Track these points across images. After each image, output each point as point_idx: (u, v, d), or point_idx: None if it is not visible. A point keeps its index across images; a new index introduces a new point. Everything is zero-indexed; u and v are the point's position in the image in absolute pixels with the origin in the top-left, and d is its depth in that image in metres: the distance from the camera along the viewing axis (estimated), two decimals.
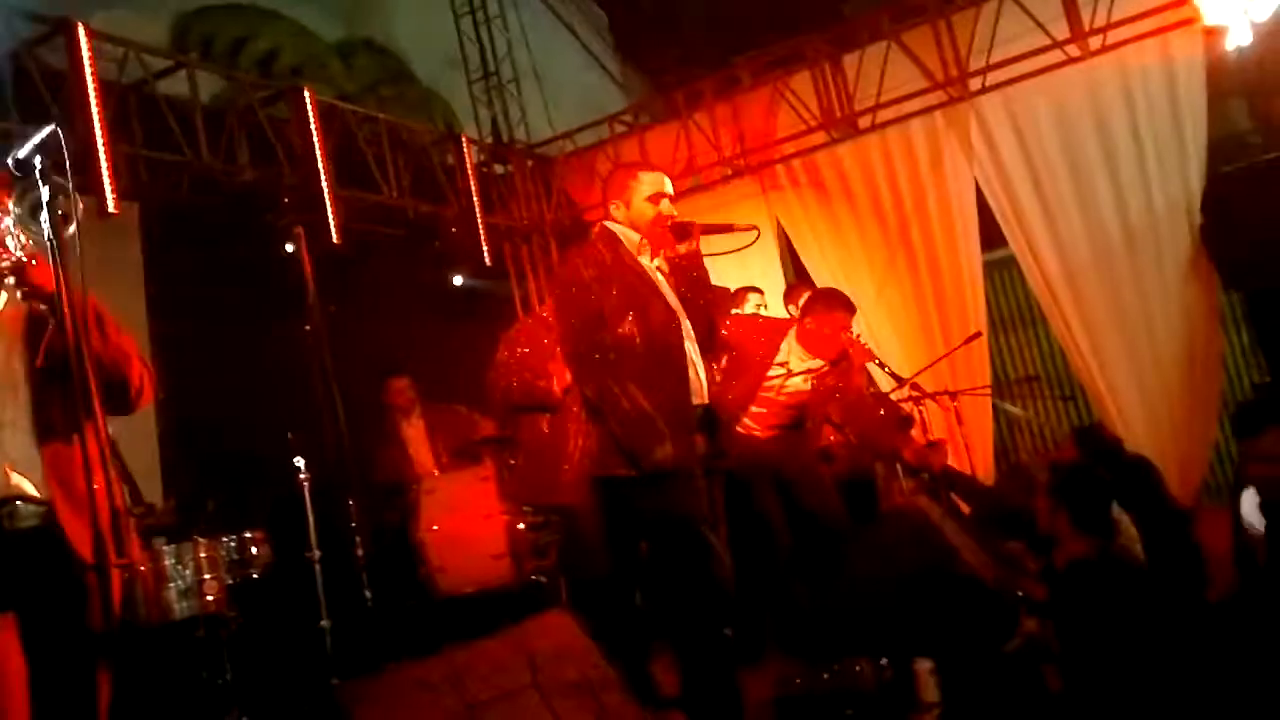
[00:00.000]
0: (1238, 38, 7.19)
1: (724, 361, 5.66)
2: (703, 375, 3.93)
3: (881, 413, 6.29)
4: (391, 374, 7.08)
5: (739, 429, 5.57)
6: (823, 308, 5.68)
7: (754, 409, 5.70)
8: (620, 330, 3.76)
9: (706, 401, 3.93)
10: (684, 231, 3.88)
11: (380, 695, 2.76)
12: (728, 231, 3.97)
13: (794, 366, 5.70)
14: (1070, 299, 7.86)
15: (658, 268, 3.99)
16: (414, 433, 7.08)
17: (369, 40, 10.25)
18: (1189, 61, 7.47)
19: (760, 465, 5.58)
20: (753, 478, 5.48)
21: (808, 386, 5.73)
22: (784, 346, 5.73)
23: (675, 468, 3.68)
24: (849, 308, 5.72)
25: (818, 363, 5.69)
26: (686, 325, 3.91)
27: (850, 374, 5.80)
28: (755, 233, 4.01)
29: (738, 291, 6.87)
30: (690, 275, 3.92)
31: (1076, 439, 5.28)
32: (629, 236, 3.98)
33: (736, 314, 6.46)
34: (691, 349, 3.90)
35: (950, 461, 7.18)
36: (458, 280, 8.35)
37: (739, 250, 4.11)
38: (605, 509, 3.90)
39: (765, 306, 6.90)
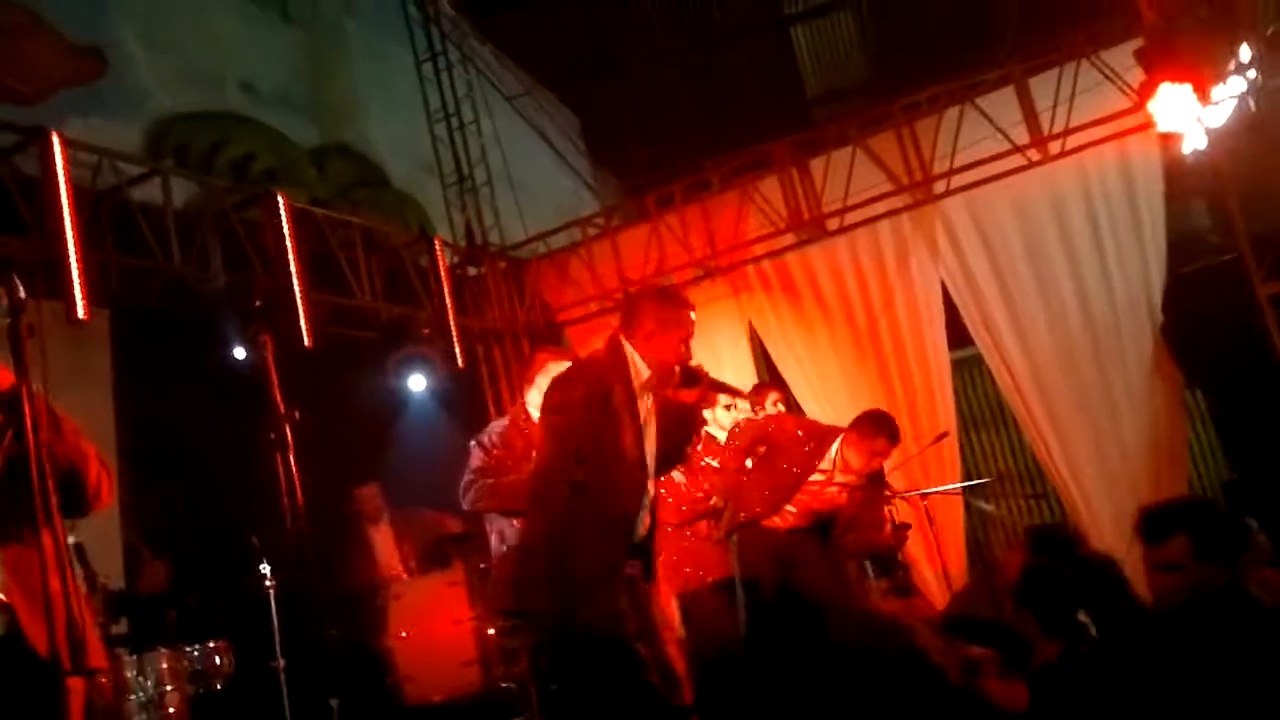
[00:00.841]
0: (1193, 142, 7.37)
1: (759, 453, 5.88)
2: (646, 511, 3.89)
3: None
4: (359, 483, 7.06)
5: (764, 524, 5.76)
6: (870, 430, 5.84)
7: (785, 508, 5.86)
8: (583, 473, 3.71)
9: (647, 529, 3.90)
10: (693, 379, 3.85)
11: None
12: (731, 394, 3.96)
13: (837, 477, 5.88)
14: (1037, 397, 7.95)
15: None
16: (381, 538, 7.04)
17: (343, 145, 10.37)
18: (1146, 165, 7.68)
19: (769, 554, 5.74)
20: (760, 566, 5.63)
21: (842, 498, 5.92)
22: (830, 454, 5.89)
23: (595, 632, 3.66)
24: (894, 436, 5.89)
25: (852, 478, 5.87)
26: (650, 466, 3.87)
27: (879, 497, 6.09)
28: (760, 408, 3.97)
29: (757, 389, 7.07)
30: (680, 420, 3.88)
31: (1028, 540, 5.27)
32: (639, 369, 3.88)
33: (782, 413, 6.71)
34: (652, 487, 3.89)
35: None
36: (427, 382, 8.35)
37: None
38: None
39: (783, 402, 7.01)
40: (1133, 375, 7.70)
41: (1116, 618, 4.63)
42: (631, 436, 3.75)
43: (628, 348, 3.90)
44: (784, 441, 5.98)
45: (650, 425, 3.87)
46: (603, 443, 3.71)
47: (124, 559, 6.54)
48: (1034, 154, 7.83)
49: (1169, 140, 7.43)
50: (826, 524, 6.00)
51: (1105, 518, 7.68)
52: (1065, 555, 5.47)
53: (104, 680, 4.55)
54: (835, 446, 5.93)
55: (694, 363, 3.90)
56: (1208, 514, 3.22)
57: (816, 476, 5.89)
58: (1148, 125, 7.35)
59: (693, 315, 3.94)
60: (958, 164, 8.01)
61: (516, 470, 4.89)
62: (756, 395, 7.35)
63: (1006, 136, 7.81)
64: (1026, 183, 7.95)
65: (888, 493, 6.88)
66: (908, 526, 6.87)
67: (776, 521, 5.91)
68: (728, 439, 6.50)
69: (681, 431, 3.90)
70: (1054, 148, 7.76)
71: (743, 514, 5.94)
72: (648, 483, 3.85)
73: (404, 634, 6.21)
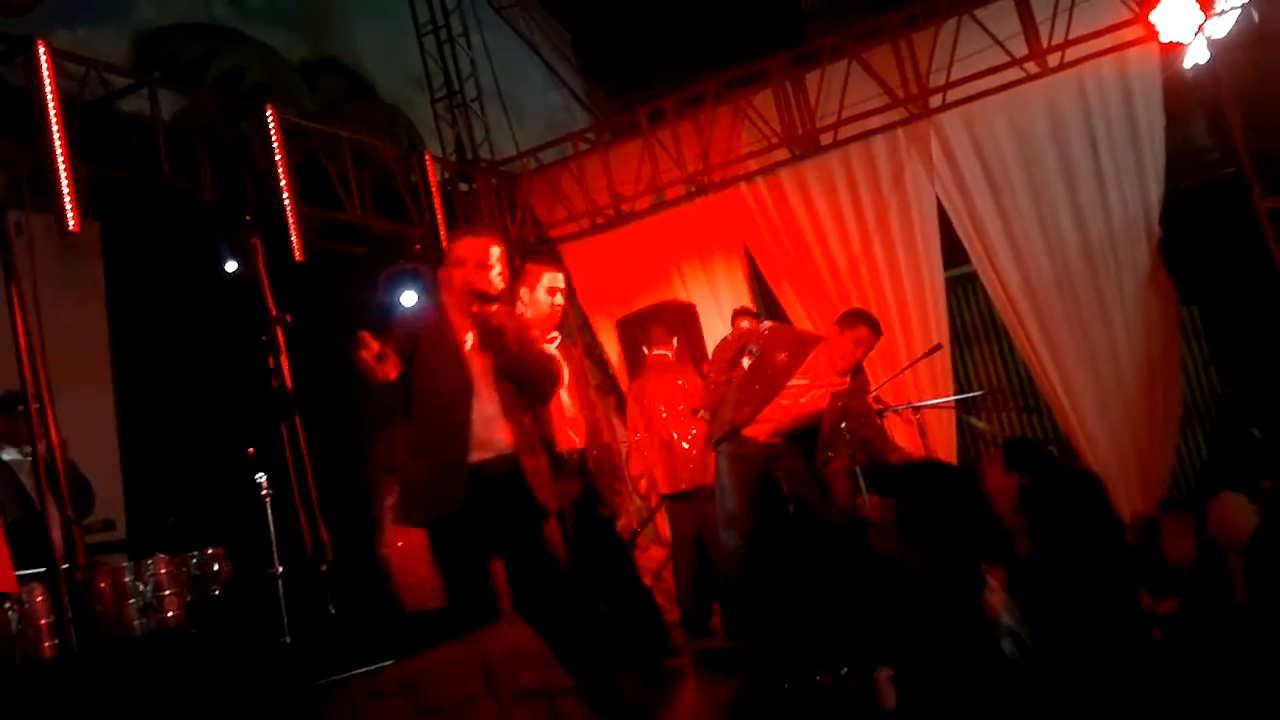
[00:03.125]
0: (1195, 55, 7.30)
1: (745, 365, 6.08)
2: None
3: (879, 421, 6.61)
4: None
5: (744, 432, 5.95)
6: (849, 321, 6.02)
7: (763, 415, 5.97)
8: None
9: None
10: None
11: (334, 704, 2.75)
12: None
13: (821, 380, 5.98)
14: (1031, 312, 7.93)
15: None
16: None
17: (332, 59, 10.24)
18: (1146, 78, 7.57)
19: (750, 464, 5.94)
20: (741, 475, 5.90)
21: (823, 403, 5.99)
22: (812, 360, 5.98)
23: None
24: (872, 325, 6.01)
25: (836, 381, 5.96)
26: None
27: (865, 388, 6.24)
28: None
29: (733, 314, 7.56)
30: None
31: (1004, 452, 5.31)
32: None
33: (769, 323, 6.87)
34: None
35: None
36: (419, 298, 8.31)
37: None
38: None
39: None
40: (1128, 291, 7.67)
41: (1092, 527, 4.70)
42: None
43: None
44: (765, 349, 6.05)
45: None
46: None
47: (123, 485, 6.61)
48: (1032, 66, 7.72)
49: (1169, 52, 7.35)
50: (809, 433, 6.04)
51: (1098, 433, 7.72)
52: (1041, 466, 5.53)
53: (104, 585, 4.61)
54: (817, 354, 5.98)
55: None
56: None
57: (799, 381, 5.93)
58: (1149, 37, 7.27)
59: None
60: (954, 77, 7.90)
61: None
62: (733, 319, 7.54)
63: (1004, 48, 7.70)
64: (1024, 96, 7.85)
65: (878, 406, 6.93)
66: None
67: (756, 430, 6.00)
68: (715, 352, 6.56)
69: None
70: (1052, 60, 7.65)
71: (726, 423, 6.01)
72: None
73: (400, 544, 6.28)
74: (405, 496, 4.28)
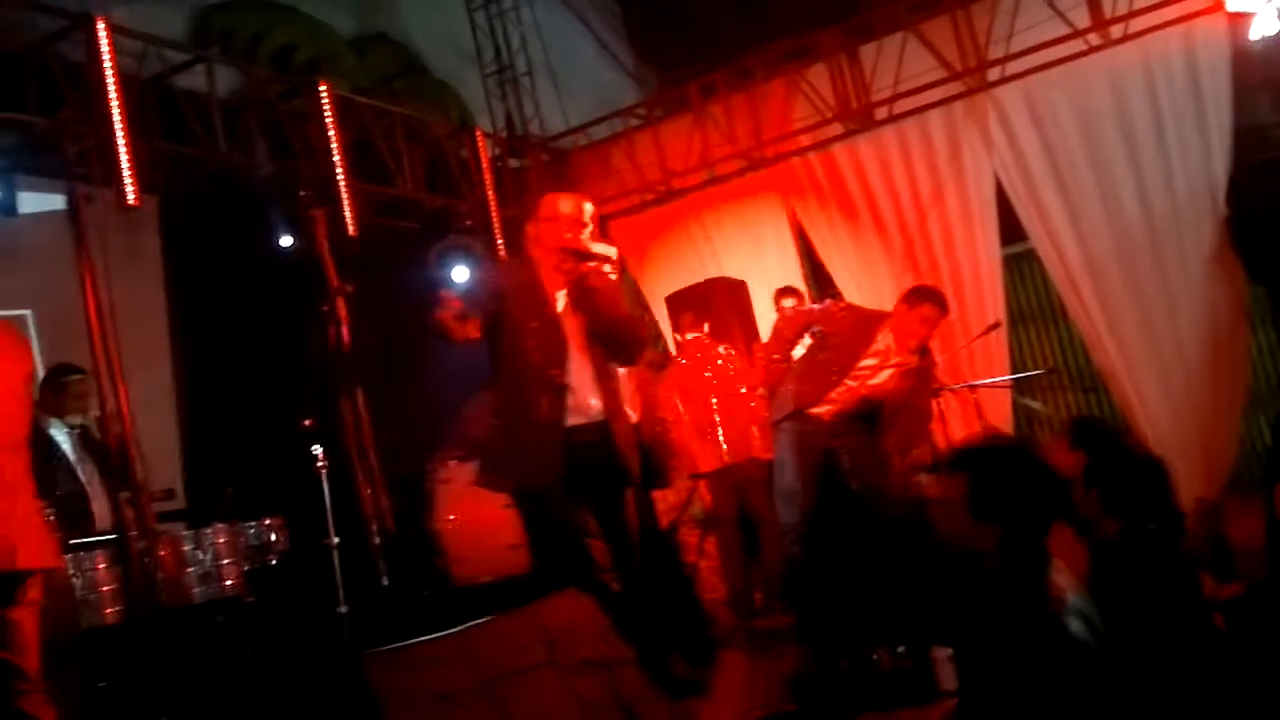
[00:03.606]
0: (1263, 27, 7.11)
1: (807, 342, 6.10)
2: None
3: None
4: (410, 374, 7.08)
5: (809, 411, 5.90)
6: (915, 298, 5.91)
7: (830, 396, 5.92)
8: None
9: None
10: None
11: (397, 669, 2.74)
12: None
13: (892, 359, 5.91)
14: (1092, 292, 7.77)
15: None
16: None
17: (383, 34, 10.26)
18: (1213, 51, 7.37)
19: (813, 440, 5.90)
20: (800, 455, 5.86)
21: (891, 384, 5.92)
22: (880, 339, 5.90)
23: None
24: (939, 302, 5.90)
25: (905, 359, 5.90)
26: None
27: (931, 370, 6.16)
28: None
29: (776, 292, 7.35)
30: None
31: (1071, 430, 5.20)
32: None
33: (834, 302, 6.81)
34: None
35: None
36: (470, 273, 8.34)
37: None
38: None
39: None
40: (1192, 270, 7.48)
41: (1153, 510, 4.61)
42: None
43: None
44: (830, 329, 5.99)
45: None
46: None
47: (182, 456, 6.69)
48: (1094, 38, 7.57)
49: (1237, 22, 7.17)
50: (873, 414, 5.99)
51: (1160, 415, 7.56)
52: (1109, 446, 5.44)
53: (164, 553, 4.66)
54: (884, 333, 5.91)
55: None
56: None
57: (868, 362, 5.87)
58: (1216, 8, 7.10)
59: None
60: (1014, 49, 7.76)
61: None
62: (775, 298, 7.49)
63: (1065, 19, 7.55)
64: (1086, 70, 7.68)
65: (936, 385, 6.85)
66: None
67: (822, 409, 5.93)
68: (774, 329, 6.51)
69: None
70: (1116, 31, 7.49)
71: (789, 402, 5.97)
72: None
73: (452, 517, 6.30)
74: (490, 460, 4.14)
